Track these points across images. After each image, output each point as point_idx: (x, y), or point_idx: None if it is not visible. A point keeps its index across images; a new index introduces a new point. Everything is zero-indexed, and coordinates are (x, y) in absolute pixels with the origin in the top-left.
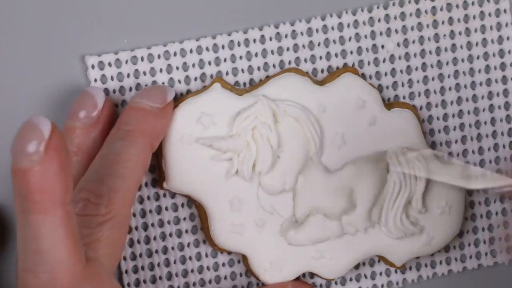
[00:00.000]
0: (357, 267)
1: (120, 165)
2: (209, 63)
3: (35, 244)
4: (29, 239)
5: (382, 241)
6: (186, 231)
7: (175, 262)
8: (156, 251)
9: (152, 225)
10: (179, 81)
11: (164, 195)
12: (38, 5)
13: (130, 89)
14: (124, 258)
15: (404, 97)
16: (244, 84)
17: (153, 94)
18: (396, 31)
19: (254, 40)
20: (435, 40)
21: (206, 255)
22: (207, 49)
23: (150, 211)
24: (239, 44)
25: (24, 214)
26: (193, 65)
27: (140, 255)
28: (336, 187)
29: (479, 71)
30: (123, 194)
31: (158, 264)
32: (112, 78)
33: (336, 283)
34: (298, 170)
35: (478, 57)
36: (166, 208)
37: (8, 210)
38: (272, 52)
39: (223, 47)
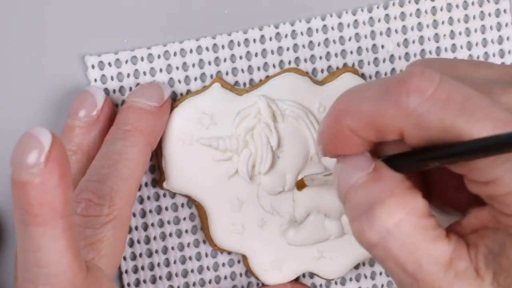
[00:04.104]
0: (357, 267)
1: (120, 165)
2: (209, 63)
3: (35, 256)
4: (29, 251)
5: None
6: (186, 231)
7: (175, 262)
8: (156, 251)
9: (152, 225)
10: (179, 81)
11: (164, 195)
12: (38, 5)
13: (130, 89)
14: (124, 258)
15: None
16: (244, 84)
17: (150, 92)
18: (396, 31)
19: (254, 40)
20: (435, 40)
21: (206, 255)
22: (207, 49)
23: (150, 211)
24: (239, 44)
25: (24, 226)
26: (193, 65)
27: (140, 255)
28: None
29: None
30: (124, 194)
31: (158, 264)
32: (112, 78)
33: (336, 283)
34: (298, 170)
35: (478, 57)
36: (166, 208)
37: (7, 213)
38: (272, 52)
39: (223, 47)
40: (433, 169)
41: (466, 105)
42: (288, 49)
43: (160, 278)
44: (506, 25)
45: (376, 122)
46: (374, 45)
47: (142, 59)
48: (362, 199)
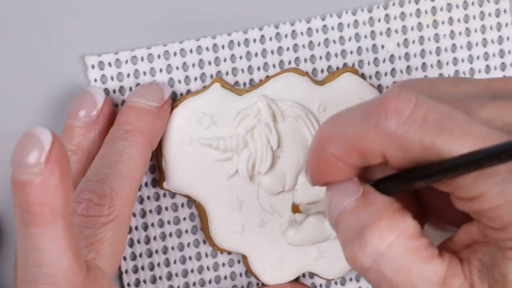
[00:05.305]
0: None
1: (121, 165)
2: (209, 63)
3: (35, 256)
4: (29, 251)
5: None
6: (186, 231)
7: (175, 262)
8: (156, 251)
9: (152, 225)
10: (179, 81)
11: (164, 195)
12: (38, 5)
13: (130, 89)
14: (124, 258)
15: None
16: (244, 84)
17: (150, 92)
18: (396, 31)
19: (254, 40)
20: (435, 40)
21: (206, 255)
22: (207, 49)
23: (150, 211)
24: (239, 44)
25: (25, 226)
26: (193, 65)
27: (140, 255)
28: None
29: (479, 71)
30: (125, 194)
31: (158, 264)
32: (112, 78)
33: (336, 283)
34: (298, 170)
35: (478, 57)
36: (166, 208)
37: (7, 213)
38: (272, 52)
39: (223, 47)
40: (426, 187)
41: (444, 123)
42: (288, 49)
43: (160, 278)
44: (506, 25)
45: (358, 147)
46: (374, 45)
47: (142, 59)
48: (352, 224)
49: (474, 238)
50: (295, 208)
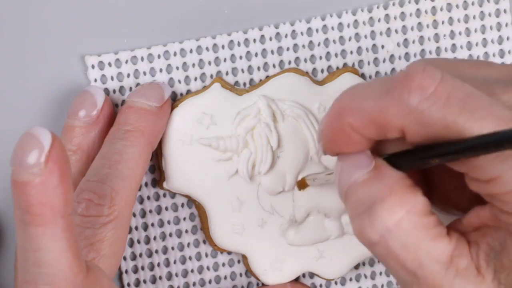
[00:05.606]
0: (357, 267)
1: (121, 165)
2: (209, 63)
3: (35, 256)
4: (29, 251)
5: None
6: (186, 231)
7: (175, 262)
8: (156, 251)
9: (152, 225)
10: (179, 81)
11: (164, 195)
12: (38, 5)
13: (130, 89)
14: (124, 258)
15: None
16: (244, 84)
17: (150, 92)
18: (396, 31)
19: (254, 40)
20: (435, 40)
21: (206, 255)
22: (207, 49)
23: (150, 211)
24: (239, 44)
25: (25, 226)
26: (193, 65)
27: (140, 255)
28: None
29: None
30: (125, 194)
31: (158, 264)
32: (112, 78)
33: (336, 283)
34: (298, 170)
35: (478, 57)
36: (166, 208)
37: (7, 213)
38: (272, 52)
39: (223, 47)
40: (434, 169)
41: (467, 103)
42: (288, 49)
43: (160, 278)
44: (506, 25)
45: (377, 120)
46: (374, 45)
47: (142, 59)
48: (362, 197)
49: (485, 222)
50: (301, 184)
